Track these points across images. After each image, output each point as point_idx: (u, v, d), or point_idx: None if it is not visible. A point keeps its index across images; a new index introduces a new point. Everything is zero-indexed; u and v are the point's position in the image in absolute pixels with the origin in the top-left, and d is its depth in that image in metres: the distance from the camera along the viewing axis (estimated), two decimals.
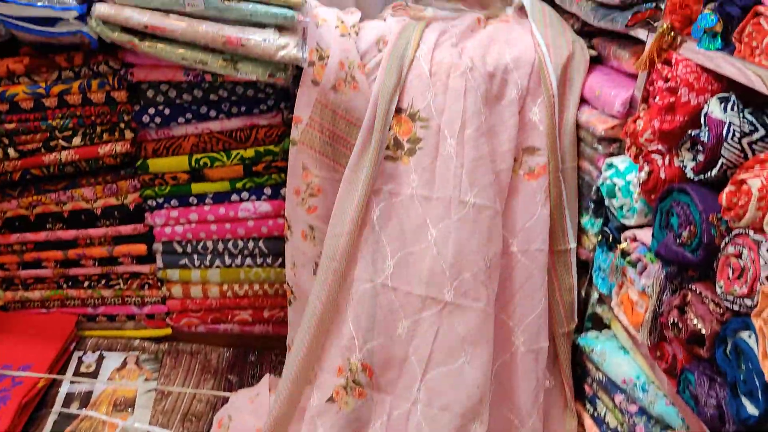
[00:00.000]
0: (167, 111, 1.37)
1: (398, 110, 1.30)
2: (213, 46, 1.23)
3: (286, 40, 1.24)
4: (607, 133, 1.21)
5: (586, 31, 1.36)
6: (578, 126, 1.31)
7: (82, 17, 1.21)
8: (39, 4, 1.16)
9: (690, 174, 0.95)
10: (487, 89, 1.29)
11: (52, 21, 1.20)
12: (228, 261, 1.52)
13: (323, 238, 1.29)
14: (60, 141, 1.36)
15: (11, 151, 1.35)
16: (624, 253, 1.12)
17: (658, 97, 1.01)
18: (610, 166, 1.17)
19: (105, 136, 1.37)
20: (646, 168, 1.05)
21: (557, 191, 1.29)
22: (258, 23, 1.25)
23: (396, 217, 1.27)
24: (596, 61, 1.33)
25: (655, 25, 1.05)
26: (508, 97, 1.30)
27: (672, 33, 0.99)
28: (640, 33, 1.12)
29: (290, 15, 1.25)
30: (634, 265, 1.10)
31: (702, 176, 0.93)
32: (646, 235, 1.08)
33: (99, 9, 1.20)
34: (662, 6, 1.05)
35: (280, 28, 1.27)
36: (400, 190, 1.28)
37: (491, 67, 1.31)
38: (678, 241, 0.95)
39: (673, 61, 0.99)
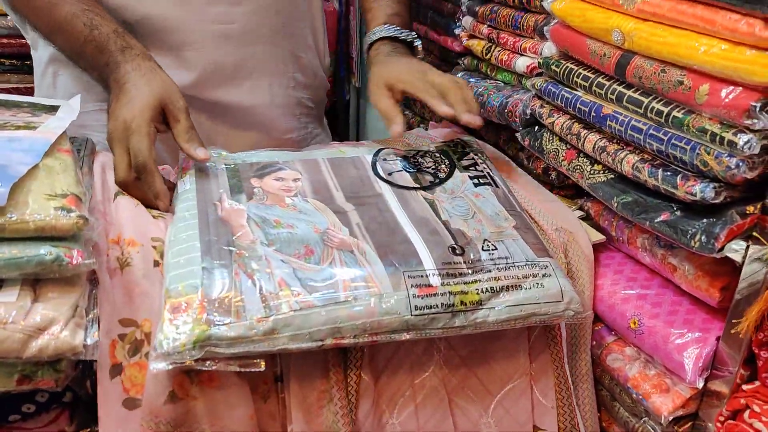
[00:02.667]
0: None
1: None
2: None
3: (49, 312, 0.60)
4: (676, 413, 0.69)
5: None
6: (603, 370, 0.79)
7: None
8: None
9: None
10: None
11: None
12: None
13: None
14: None
15: None
16: None
17: None
18: None
19: None
20: None
21: None
22: None
23: None
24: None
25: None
26: None
27: None
28: (733, 253, 0.62)
29: (54, 256, 0.61)
30: None
31: None
32: None
33: None
34: None
35: (35, 283, 0.63)
36: None
37: None
38: None
39: None
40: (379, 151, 0.93)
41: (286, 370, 0.71)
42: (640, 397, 0.71)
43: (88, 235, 0.65)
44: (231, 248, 0.70)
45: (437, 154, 0.94)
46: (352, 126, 2.75)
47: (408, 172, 0.89)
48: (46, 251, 0.61)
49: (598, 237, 0.84)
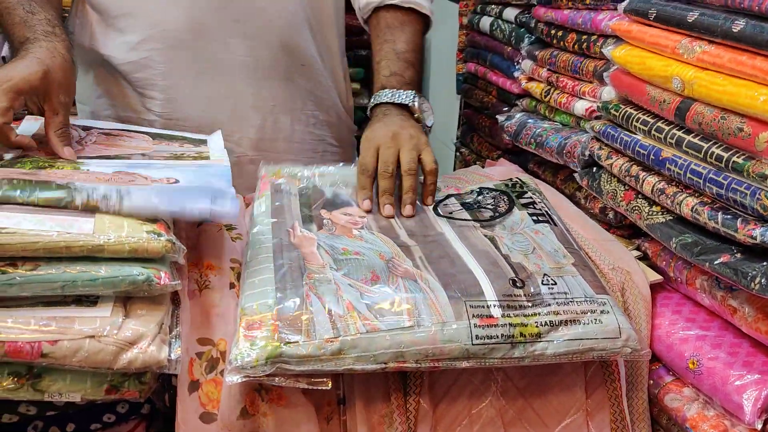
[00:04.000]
0: None
1: None
2: None
3: (138, 328, 0.66)
4: None
5: None
6: (660, 410, 0.80)
7: None
8: None
9: None
10: None
11: None
12: None
13: None
14: None
15: None
16: None
17: None
18: None
19: None
20: None
21: None
22: (81, 297, 0.66)
23: None
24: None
25: None
26: None
27: None
28: None
29: (144, 276, 0.67)
30: None
31: None
32: None
33: None
34: None
35: (126, 300, 0.69)
36: None
37: None
38: None
39: None
40: (439, 202, 0.95)
41: (349, 393, 0.74)
42: None
43: (174, 257, 0.70)
44: (302, 271, 0.74)
45: (496, 193, 0.97)
46: None
47: (468, 210, 0.93)
48: (138, 272, 0.66)
49: (656, 277, 0.85)
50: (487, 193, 0.97)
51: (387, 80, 1.06)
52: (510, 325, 0.70)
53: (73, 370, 0.63)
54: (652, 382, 0.81)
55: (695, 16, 0.74)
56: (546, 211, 0.93)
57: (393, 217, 0.90)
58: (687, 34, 0.76)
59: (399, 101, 1.03)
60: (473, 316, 0.71)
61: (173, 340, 0.68)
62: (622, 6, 0.88)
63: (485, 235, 0.86)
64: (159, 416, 0.76)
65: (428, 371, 0.74)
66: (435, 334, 0.69)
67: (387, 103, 1.03)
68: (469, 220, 0.89)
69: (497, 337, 0.70)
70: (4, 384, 0.62)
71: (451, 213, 0.92)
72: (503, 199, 0.95)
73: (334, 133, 1.21)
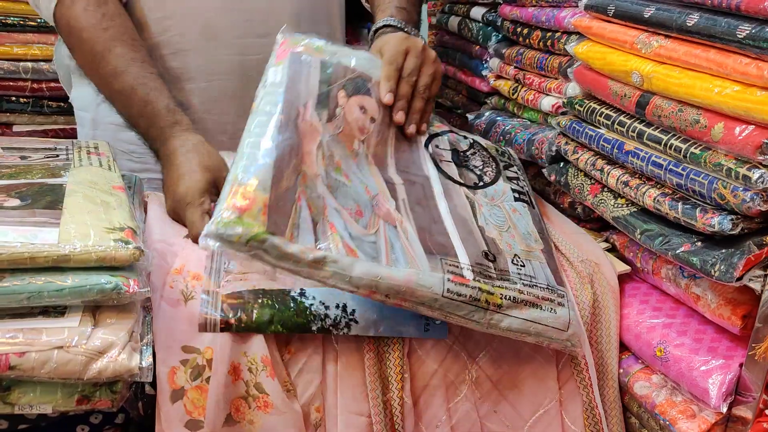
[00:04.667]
0: None
1: None
2: None
3: (108, 337, 0.65)
4: None
5: None
6: (631, 398, 0.82)
7: None
8: None
9: None
10: None
11: None
12: None
13: None
14: None
15: None
16: None
17: None
18: None
19: None
20: None
21: None
22: (48, 308, 0.66)
23: None
24: None
25: None
26: None
27: None
28: (752, 282, 0.65)
29: (113, 285, 0.67)
30: None
31: None
32: None
33: None
34: None
35: (95, 309, 0.68)
36: None
37: None
38: None
39: None
40: (434, 135, 0.94)
41: (331, 398, 0.75)
42: (668, 422, 0.73)
43: (143, 265, 0.70)
44: (298, 171, 0.73)
45: (486, 156, 0.97)
46: None
47: (455, 164, 0.92)
48: (106, 280, 0.66)
49: (624, 267, 0.87)
50: (478, 152, 0.97)
51: (397, 11, 1.04)
52: (479, 289, 0.72)
53: (42, 381, 0.63)
54: (621, 370, 0.83)
55: (651, 11, 0.75)
56: (527, 191, 0.94)
57: (402, 124, 0.89)
58: (644, 29, 0.77)
59: (410, 32, 1.01)
60: (448, 271, 0.72)
61: (144, 347, 0.68)
62: (582, 3, 0.89)
63: (467, 196, 0.86)
64: (134, 425, 0.75)
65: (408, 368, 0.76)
66: (411, 275, 0.70)
67: (396, 27, 1.01)
68: (454, 181, 0.88)
69: (465, 296, 0.71)
70: None
71: (440, 159, 0.91)
72: (491, 166, 0.95)
73: None
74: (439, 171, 0.88)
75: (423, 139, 0.93)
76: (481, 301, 0.72)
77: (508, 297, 0.73)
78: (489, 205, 0.87)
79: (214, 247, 0.64)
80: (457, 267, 0.73)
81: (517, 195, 0.91)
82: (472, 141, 0.98)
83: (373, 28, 1.05)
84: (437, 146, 0.93)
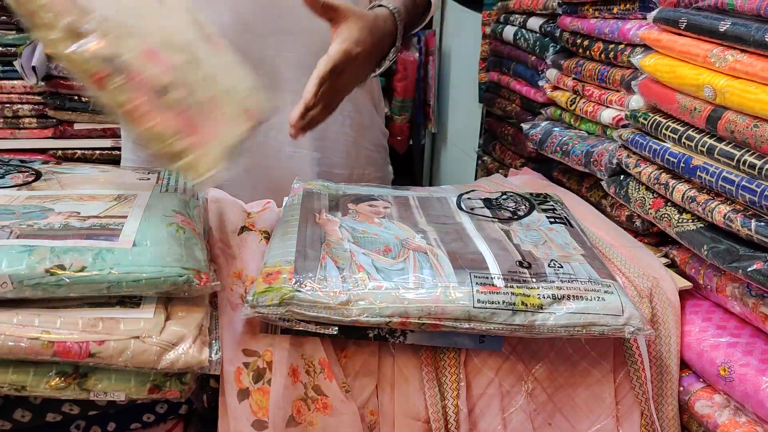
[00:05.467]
0: None
1: None
2: (37, 358, 0.63)
3: (179, 329, 0.67)
4: None
5: None
6: (690, 417, 0.81)
7: None
8: None
9: None
10: None
11: None
12: None
13: None
14: None
15: None
16: None
17: None
18: None
19: None
20: None
21: None
22: (125, 298, 0.68)
23: None
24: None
25: None
26: None
27: None
28: None
29: (185, 277, 0.68)
30: None
31: None
32: None
33: None
34: None
35: (167, 301, 0.70)
36: None
37: None
38: None
39: None
40: (463, 193, 1.00)
41: (388, 401, 0.76)
42: None
43: (213, 266, 0.72)
44: (322, 241, 0.80)
45: (518, 198, 0.99)
46: (426, 169, 2.83)
47: (488, 208, 0.96)
48: (179, 273, 0.68)
49: (685, 284, 0.86)
50: (510, 196, 1.00)
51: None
52: (512, 293, 0.73)
53: (117, 369, 0.65)
54: (682, 388, 0.81)
55: (727, 26, 0.75)
56: (564, 216, 0.95)
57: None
58: (719, 43, 0.77)
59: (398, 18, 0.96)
60: (476, 283, 0.74)
61: (213, 341, 0.70)
62: (651, 15, 0.89)
63: (501, 229, 0.89)
64: (196, 416, 0.77)
65: (464, 377, 0.76)
66: (438, 294, 0.72)
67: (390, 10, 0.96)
68: (488, 218, 0.92)
69: (498, 303, 0.72)
70: (53, 383, 0.63)
71: (472, 209, 0.95)
72: (524, 204, 0.98)
73: (366, 136, 1.22)
74: (471, 216, 0.93)
75: (453, 197, 0.98)
76: (517, 304, 0.72)
77: (547, 296, 0.74)
78: (525, 230, 0.89)
79: (254, 315, 0.71)
80: (488, 277, 0.75)
81: (552, 219, 0.93)
82: (502, 192, 1.02)
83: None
84: (469, 198, 0.99)
